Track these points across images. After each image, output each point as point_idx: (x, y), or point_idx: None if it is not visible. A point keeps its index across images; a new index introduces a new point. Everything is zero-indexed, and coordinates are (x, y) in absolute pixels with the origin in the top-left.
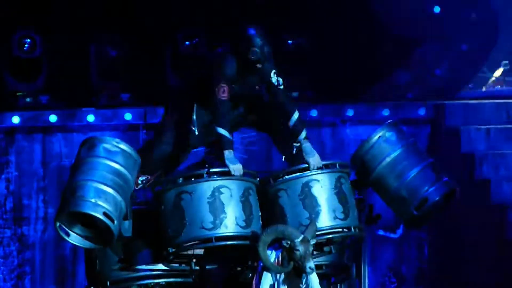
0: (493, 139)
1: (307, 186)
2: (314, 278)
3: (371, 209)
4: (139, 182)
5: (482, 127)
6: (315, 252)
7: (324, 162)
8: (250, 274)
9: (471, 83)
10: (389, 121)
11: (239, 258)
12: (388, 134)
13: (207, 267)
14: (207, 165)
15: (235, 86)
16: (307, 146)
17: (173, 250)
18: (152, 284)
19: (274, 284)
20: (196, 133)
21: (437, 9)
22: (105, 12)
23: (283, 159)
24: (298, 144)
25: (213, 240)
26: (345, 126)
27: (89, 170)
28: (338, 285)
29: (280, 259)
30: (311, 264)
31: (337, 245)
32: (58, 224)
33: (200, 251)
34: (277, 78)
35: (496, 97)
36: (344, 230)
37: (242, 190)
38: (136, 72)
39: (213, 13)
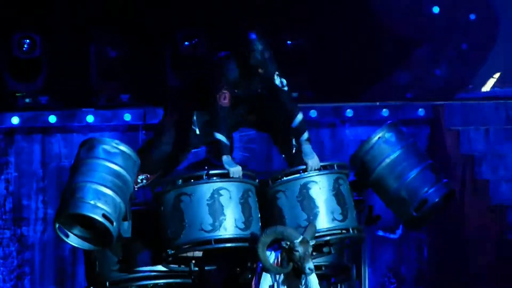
0: (493, 140)
1: (305, 187)
2: (313, 279)
3: (371, 210)
4: (139, 180)
5: (482, 127)
6: (314, 253)
7: (322, 163)
8: (250, 275)
9: (470, 84)
10: (388, 122)
11: (239, 259)
12: (387, 135)
13: (206, 268)
14: (207, 167)
15: (237, 90)
16: (307, 147)
17: (172, 252)
18: (151, 285)
19: (273, 285)
20: (198, 132)
21: (436, 10)
22: (104, 12)
23: (283, 158)
24: (298, 144)
25: (212, 242)
26: (345, 127)
27: (89, 171)
28: (338, 285)
29: (279, 260)
30: (310, 265)
31: (336, 246)
32: (57, 225)
33: (199, 253)
34: (281, 79)
35: (496, 97)
36: (343, 231)
37: (241, 192)
38: (136, 73)
39: (213, 13)
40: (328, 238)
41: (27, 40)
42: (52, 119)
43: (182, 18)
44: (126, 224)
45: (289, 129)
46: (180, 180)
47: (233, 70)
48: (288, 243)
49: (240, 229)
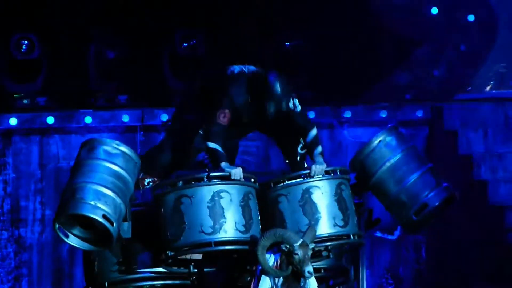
0: (491, 141)
1: (307, 192)
2: (312, 282)
3: (371, 213)
4: (145, 183)
5: (480, 128)
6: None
7: (325, 169)
8: (249, 278)
9: (469, 85)
10: (389, 125)
11: (238, 261)
12: (388, 138)
13: (205, 270)
14: (207, 169)
15: (241, 113)
16: (320, 161)
17: (172, 253)
18: (149, 286)
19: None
20: None
21: (435, 11)
22: (103, 13)
23: (285, 161)
24: (304, 151)
25: (212, 245)
26: (343, 128)
27: (89, 172)
28: None
29: (278, 263)
30: (309, 268)
31: (335, 250)
32: (57, 225)
33: (198, 256)
34: (293, 101)
35: (494, 99)
36: (344, 237)
37: (242, 194)
38: (134, 74)
39: (212, 14)
40: (329, 243)
41: (26, 41)
42: (50, 120)
43: (180, 19)
44: (126, 225)
45: (294, 135)
46: (181, 182)
47: (242, 95)
48: (288, 246)
49: (240, 231)
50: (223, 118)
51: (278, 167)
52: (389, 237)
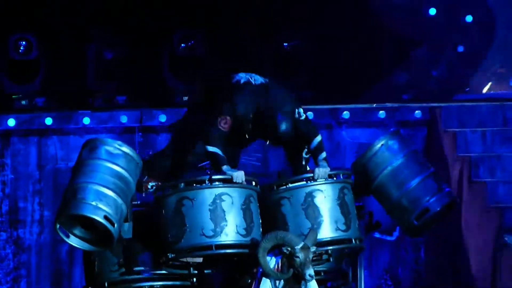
0: (489, 142)
1: (310, 195)
2: (313, 285)
3: (371, 216)
4: (149, 187)
5: (478, 129)
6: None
7: (329, 172)
8: (250, 280)
9: (467, 85)
10: (391, 129)
11: (239, 263)
12: (390, 142)
13: (205, 272)
14: (209, 171)
15: (245, 123)
16: (323, 165)
17: (172, 255)
18: (149, 286)
19: None
20: None
21: (432, 11)
22: (101, 14)
23: (289, 165)
24: (308, 155)
25: (213, 248)
26: (341, 128)
27: (91, 172)
28: None
29: (279, 266)
30: (310, 271)
31: (335, 253)
32: (58, 225)
33: (199, 259)
34: (298, 111)
35: (493, 99)
36: (345, 241)
37: (243, 197)
38: (133, 74)
39: (211, 15)
40: (330, 247)
41: (24, 42)
42: (49, 121)
43: (179, 19)
44: (127, 225)
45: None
46: (183, 184)
47: (245, 106)
48: (289, 249)
49: (241, 235)
50: (224, 124)
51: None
52: (388, 238)
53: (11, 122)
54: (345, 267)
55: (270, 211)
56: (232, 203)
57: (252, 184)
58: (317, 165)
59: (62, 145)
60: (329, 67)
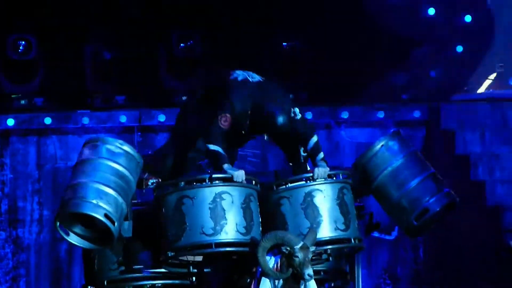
0: (488, 141)
1: (309, 195)
2: (312, 285)
3: (371, 217)
4: (149, 184)
5: (477, 129)
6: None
7: (328, 172)
8: (249, 279)
9: (466, 85)
10: (391, 130)
11: (238, 263)
12: (391, 143)
13: (205, 270)
14: (209, 170)
15: (242, 121)
16: (322, 165)
17: (172, 254)
18: (149, 285)
19: None
20: None
21: (431, 11)
22: (100, 14)
23: (289, 164)
24: (306, 154)
25: (213, 246)
26: (340, 128)
27: (91, 171)
28: None
29: (279, 265)
30: (309, 271)
31: (334, 253)
32: (58, 223)
33: (199, 258)
34: (293, 110)
35: (491, 99)
36: (344, 241)
37: (243, 196)
38: (131, 74)
39: (208, 15)
40: (329, 247)
41: (23, 42)
42: (48, 120)
43: (177, 19)
44: (127, 224)
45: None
46: (183, 183)
47: (243, 103)
48: (288, 248)
49: (241, 233)
50: (224, 122)
51: (276, 168)
52: (387, 237)
53: (10, 122)
54: (344, 266)
55: (269, 211)
56: (232, 201)
57: (252, 183)
58: (315, 165)
59: (61, 144)
60: (328, 67)
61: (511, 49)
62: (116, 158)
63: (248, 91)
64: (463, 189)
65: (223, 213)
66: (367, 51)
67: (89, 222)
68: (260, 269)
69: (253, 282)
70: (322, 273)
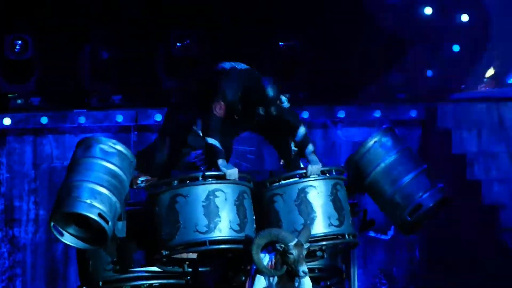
0: (485, 141)
1: (303, 192)
2: (307, 282)
3: (365, 214)
4: (139, 182)
5: (474, 128)
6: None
7: (321, 169)
8: (244, 277)
9: (463, 85)
10: (384, 126)
11: (233, 260)
12: (384, 139)
13: (200, 269)
14: (202, 168)
15: (234, 109)
16: (313, 158)
17: (166, 252)
18: (145, 285)
19: (267, 287)
20: (201, 134)
21: (428, 11)
22: (97, 13)
23: (281, 163)
24: (296, 148)
25: (207, 244)
26: (337, 127)
27: (85, 170)
28: None
29: (273, 263)
30: (304, 268)
31: (329, 250)
32: (52, 224)
33: (193, 255)
34: (281, 97)
35: (487, 98)
36: (339, 237)
37: (237, 194)
38: (128, 74)
39: (206, 15)
40: (324, 243)
41: (19, 41)
42: (44, 120)
43: (175, 19)
44: (121, 224)
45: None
46: (176, 181)
47: (233, 90)
48: (283, 245)
49: (235, 231)
50: (219, 110)
51: (272, 167)
52: (383, 237)
53: (7, 121)
54: (340, 264)
55: (263, 208)
56: (226, 199)
57: (245, 180)
58: (305, 158)
59: (57, 144)
60: (322, 68)
61: (508, 48)
62: (109, 157)
63: (236, 76)
64: (460, 189)
65: (217, 210)
66: (364, 51)
67: (83, 222)
68: (254, 267)
69: (248, 280)
70: (316, 271)
